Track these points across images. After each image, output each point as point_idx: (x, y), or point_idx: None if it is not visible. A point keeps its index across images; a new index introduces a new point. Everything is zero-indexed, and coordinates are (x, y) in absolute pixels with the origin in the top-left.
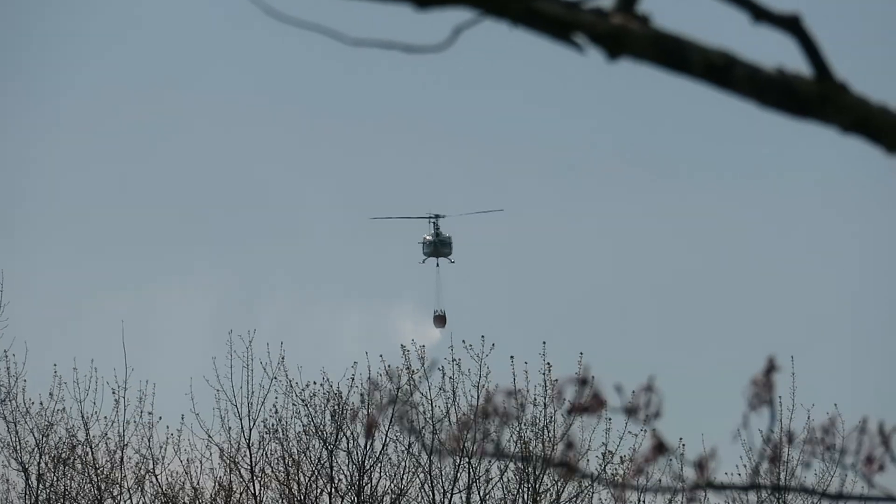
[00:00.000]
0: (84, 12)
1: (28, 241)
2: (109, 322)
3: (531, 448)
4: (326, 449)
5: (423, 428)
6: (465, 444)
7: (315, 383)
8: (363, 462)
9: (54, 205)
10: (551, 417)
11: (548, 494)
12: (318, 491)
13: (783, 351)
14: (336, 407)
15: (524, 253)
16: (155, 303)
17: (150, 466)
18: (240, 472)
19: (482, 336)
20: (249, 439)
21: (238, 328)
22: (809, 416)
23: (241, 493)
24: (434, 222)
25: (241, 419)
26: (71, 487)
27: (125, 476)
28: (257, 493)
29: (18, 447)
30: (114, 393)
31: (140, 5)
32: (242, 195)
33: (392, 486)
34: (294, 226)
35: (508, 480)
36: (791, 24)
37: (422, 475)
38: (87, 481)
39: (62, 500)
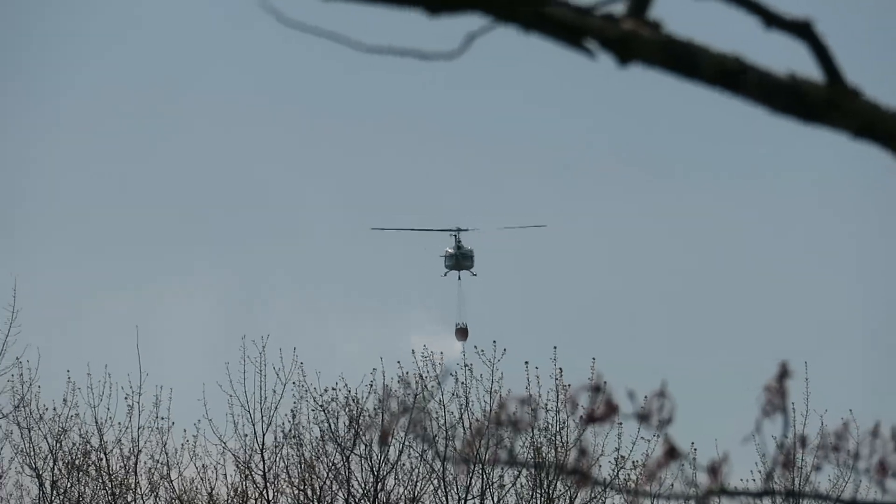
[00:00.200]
0: (84, 12)
1: (28, 241)
2: (111, 324)
3: (544, 454)
4: (343, 454)
5: (436, 436)
6: (479, 451)
7: (333, 389)
8: (379, 469)
9: (54, 205)
10: (564, 423)
11: (561, 500)
12: (332, 496)
13: (786, 353)
14: (354, 412)
15: (523, 254)
16: (157, 305)
17: (165, 472)
18: (254, 478)
19: (494, 341)
20: (262, 445)
21: (242, 331)
22: (823, 421)
23: (255, 499)
24: (455, 235)
25: (253, 425)
26: (85, 493)
27: (139, 482)
28: (271, 498)
29: (32, 453)
30: (127, 398)
31: (140, 5)
32: (243, 196)
33: (405, 492)
34: (295, 227)
35: (522, 486)
36: (803, 30)
37: (435, 481)
38: (101, 487)
39: None
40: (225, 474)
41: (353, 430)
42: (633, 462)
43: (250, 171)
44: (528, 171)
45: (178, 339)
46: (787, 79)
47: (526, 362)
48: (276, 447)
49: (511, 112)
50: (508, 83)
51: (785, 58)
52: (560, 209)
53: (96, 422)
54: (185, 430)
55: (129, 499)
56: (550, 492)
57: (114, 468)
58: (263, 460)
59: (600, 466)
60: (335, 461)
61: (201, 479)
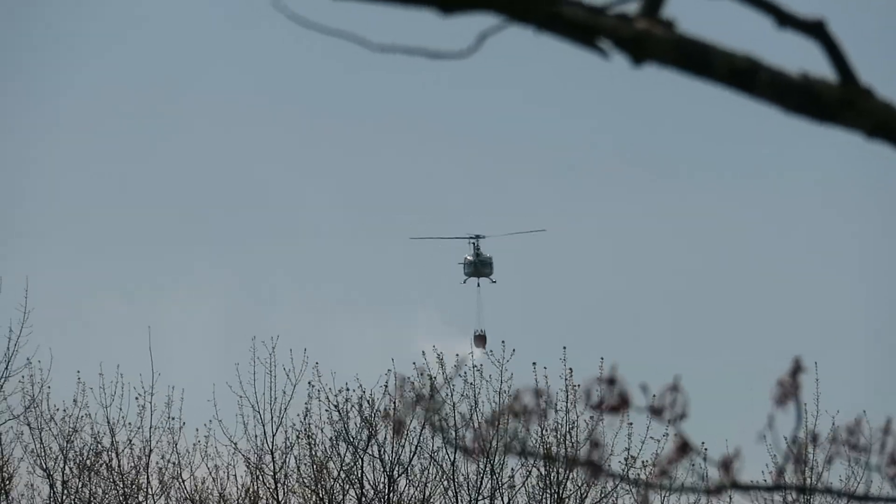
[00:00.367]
0: (84, 13)
1: (31, 242)
2: (119, 325)
3: (554, 453)
4: (356, 454)
5: (449, 428)
6: (491, 443)
7: (348, 389)
8: (392, 469)
9: (56, 205)
10: (573, 423)
11: (572, 500)
12: (343, 494)
13: (791, 353)
14: (369, 412)
15: (527, 256)
16: (164, 306)
17: (177, 472)
18: (264, 479)
19: (503, 341)
20: (273, 445)
21: (250, 332)
22: (834, 422)
23: (266, 500)
24: (474, 243)
25: (263, 425)
26: (96, 493)
27: (150, 482)
28: (282, 499)
29: (43, 454)
30: (137, 398)
31: (140, 5)
32: (246, 196)
33: (417, 493)
34: (297, 227)
35: (532, 487)
36: (816, 30)
37: (445, 482)
38: (112, 487)
39: None
40: (235, 475)
41: (366, 430)
42: (643, 462)
43: (252, 171)
44: (532, 171)
45: (187, 340)
46: (799, 78)
47: (534, 363)
48: (286, 447)
49: (513, 112)
50: (510, 83)
51: (798, 57)
52: (564, 209)
53: (108, 422)
54: (196, 430)
55: (141, 499)
56: (561, 492)
57: (125, 468)
58: (273, 461)
59: (610, 466)
60: (347, 461)
61: (213, 479)
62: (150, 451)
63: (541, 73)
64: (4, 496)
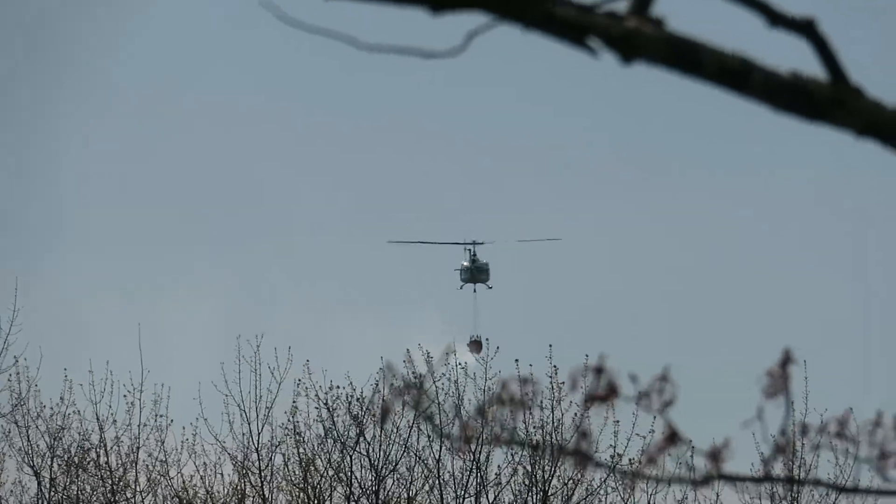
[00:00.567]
0: (84, 13)
1: (29, 241)
2: (112, 323)
3: (540, 449)
4: (345, 451)
5: (436, 416)
6: (478, 434)
7: (339, 387)
8: (381, 467)
9: (56, 204)
10: (559, 421)
11: (557, 497)
12: (331, 492)
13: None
14: (359, 409)
15: (522, 254)
16: (158, 305)
17: (164, 470)
18: (250, 478)
19: (486, 339)
20: (259, 444)
21: (246, 331)
22: (822, 419)
23: (253, 498)
24: (470, 249)
25: (249, 423)
26: (84, 491)
27: (138, 479)
28: (268, 497)
29: (31, 451)
30: (126, 396)
31: (138, 5)
32: (243, 195)
33: (403, 491)
34: (295, 227)
35: (518, 485)
36: (806, 29)
37: (431, 481)
38: (101, 484)
39: None
40: (222, 473)
41: (355, 428)
42: (630, 459)
43: (249, 171)
44: (527, 170)
45: (181, 338)
46: (790, 77)
47: (517, 360)
48: (272, 445)
49: (508, 111)
50: (505, 82)
51: (789, 57)
52: (559, 208)
53: (98, 419)
54: (183, 429)
55: (128, 496)
56: (546, 489)
57: (113, 465)
58: (259, 459)
59: (597, 457)
60: (336, 459)
61: (201, 477)
62: (139, 448)
63: (535, 73)
64: None
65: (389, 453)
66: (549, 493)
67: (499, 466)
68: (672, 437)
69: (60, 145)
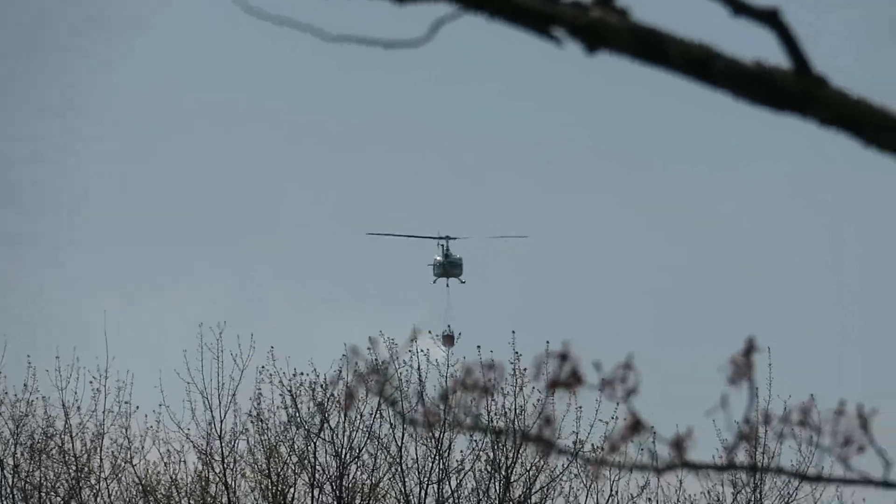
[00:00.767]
0: (84, 13)
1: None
2: (89, 317)
3: (503, 435)
4: (308, 438)
5: (400, 399)
6: (442, 418)
7: (302, 374)
8: (343, 454)
9: (52, 204)
10: (522, 407)
11: (520, 483)
12: (295, 478)
13: (763, 343)
14: (322, 396)
15: (501, 251)
16: (132, 298)
17: (128, 457)
18: (212, 465)
19: (448, 325)
20: (221, 431)
21: (230, 326)
22: (786, 406)
23: (216, 484)
24: (443, 244)
25: (212, 411)
26: (48, 477)
27: (102, 465)
28: (231, 484)
29: None
30: (92, 382)
31: (135, 5)
32: (227, 192)
33: (366, 478)
34: (277, 223)
35: (480, 471)
36: (770, 18)
37: (394, 468)
38: (64, 470)
39: (38, 491)
40: (185, 461)
41: (319, 414)
42: (592, 445)
43: (232, 168)
44: (508, 166)
45: (149, 330)
46: (753, 66)
47: (478, 346)
48: (235, 432)
49: (489, 107)
50: (485, 79)
51: (755, 47)
52: (539, 204)
53: (63, 405)
54: (146, 416)
55: (92, 482)
56: (509, 475)
57: (77, 451)
58: (222, 446)
59: (560, 443)
60: (300, 445)
61: (164, 464)
62: (103, 434)
63: (516, 70)
64: None
65: (353, 440)
66: (512, 480)
67: (461, 452)
68: (635, 426)
69: (58, 143)
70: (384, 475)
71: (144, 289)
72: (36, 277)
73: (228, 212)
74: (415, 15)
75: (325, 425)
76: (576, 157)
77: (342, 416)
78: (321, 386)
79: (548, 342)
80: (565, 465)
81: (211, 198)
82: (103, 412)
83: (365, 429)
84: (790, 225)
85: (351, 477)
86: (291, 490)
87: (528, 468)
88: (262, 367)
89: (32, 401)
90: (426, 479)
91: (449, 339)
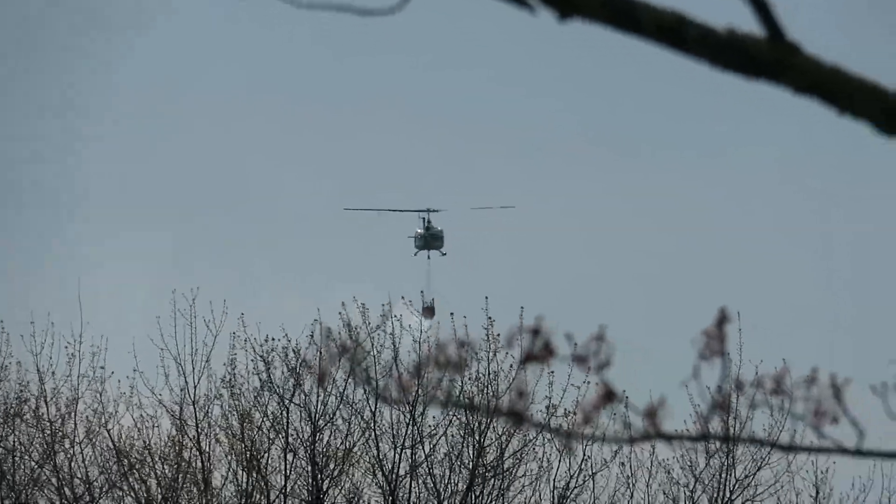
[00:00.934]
0: (83, 13)
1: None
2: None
3: (476, 403)
4: (282, 403)
5: (372, 378)
6: (414, 392)
7: (274, 339)
8: (317, 419)
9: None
10: (495, 374)
11: (493, 448)
12: (269, 444)
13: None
14: (295, 361)
15: (490, 233)
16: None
17: (102, 421)
18: (186, 430)
19: (421, 291)
20: (195, 396)
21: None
22: (757, 371)
23: (190, 450)
24: (424, 217)
25: (185, 377)
26: (22, 441)
27: (77, 430)
28: (205, 449)
29: None
30: (67, 347)
31: (135, 5)
32: (223, 178)
33: (340, 443)
34: (267, 205)
35: (453, 436)
36: None
37: (368, 433)
38: (39, 434)
39: (11, 455)
40: (159, 426)
41: (292, 379)
42: (565, 409)
43: (232, 167)
44: (498, 152)
45: (124, 301)
46: (726, 34)
47: (451, 313)
48: (208, 397)
49: (479, 93)
50: (475, 64)
51: (731, 15)
52: (529, 188)
53: (38, 370)
54: (119, 382)
55: (67, 446)
56: (482, 440)
57: (52, 416)
58: (196, 411)
59: (532, 415)
60: (273, 410)
61: (138, 429)
62: (77, 399)
63: (505, 54)
64: None
65: (326, 405)
66: (485, 445)
67: (434, 418)
68: (608, 396)
69: (57, 142)
70: (358, 440)
71: (119, 257)
72: (27, 272)
73: (228, 211)
74: None
75: (299, 390)
76: (565, 142)
77: (315, 385)
78: (293, 351)
79: (522, 307)
80: (539, 430)
81: (211, 198)
82: (78, 377)
83: (338, 394)
84: (779, 210)
85: (325, 442)
86: (265, 455)
87: (500, 434)
88: (234, 333)
89: (6, 365)
90: (400, 444)
91: (429, 311)
